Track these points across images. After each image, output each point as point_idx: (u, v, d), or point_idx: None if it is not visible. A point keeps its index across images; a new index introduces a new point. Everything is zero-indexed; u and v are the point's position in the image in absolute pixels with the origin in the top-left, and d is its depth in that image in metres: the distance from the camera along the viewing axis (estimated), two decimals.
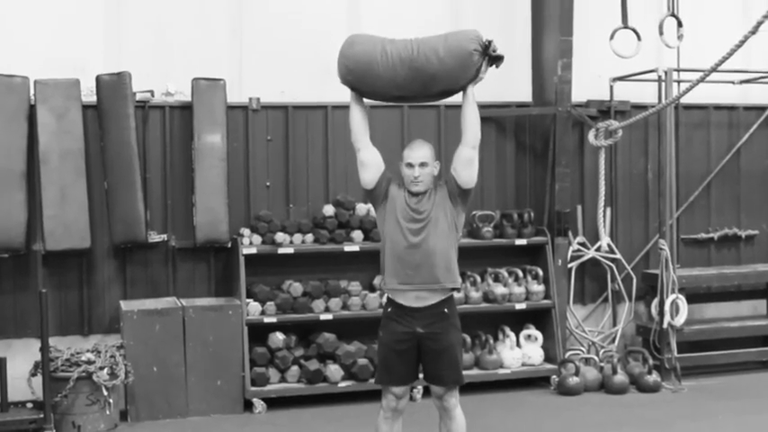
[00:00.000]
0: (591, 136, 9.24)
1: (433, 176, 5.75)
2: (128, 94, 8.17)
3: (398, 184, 5.81)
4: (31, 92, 8.03)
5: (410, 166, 5.70)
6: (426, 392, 5.80)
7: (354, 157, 8.90)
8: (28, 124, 8.02)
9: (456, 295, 5.88)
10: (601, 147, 9.24)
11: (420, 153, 5.71)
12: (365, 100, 5.85)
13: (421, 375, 5.79)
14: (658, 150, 9.37)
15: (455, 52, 5.58)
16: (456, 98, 9.25)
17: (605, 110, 9.57)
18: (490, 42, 5.61)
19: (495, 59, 5.67)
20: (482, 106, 9.20)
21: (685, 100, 8.96)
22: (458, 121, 9.21)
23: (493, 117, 9.40)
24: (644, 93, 9.51)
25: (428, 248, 5.61)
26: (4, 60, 8.07)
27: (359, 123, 5.82)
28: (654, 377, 8.84)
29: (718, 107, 10.11)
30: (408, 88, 5.71)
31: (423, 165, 5.68)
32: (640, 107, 9.34)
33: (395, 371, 5.69)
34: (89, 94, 8.22)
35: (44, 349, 7.38)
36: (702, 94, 9.17)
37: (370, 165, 5.81)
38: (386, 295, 5.84)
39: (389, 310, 5.74)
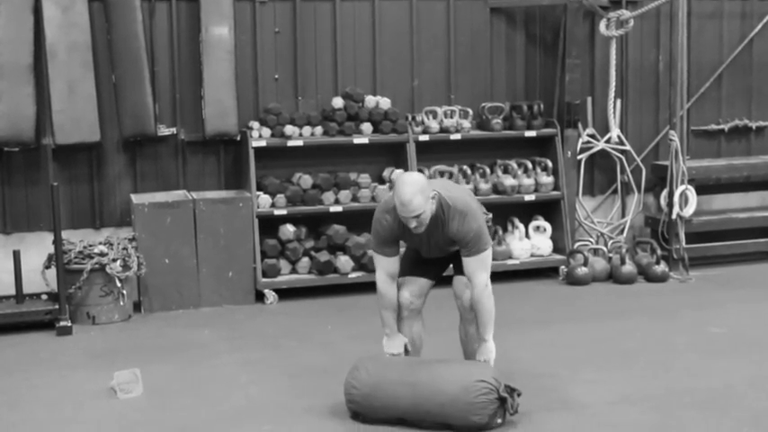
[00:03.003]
0: (602, 26, 9.17)
1: (431, 209, 5.27)
2: None
3: (397, 221, 5.39)
4: None
5: (404, 219, 5.25)
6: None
7: (363, 50, 8.96)
8: (34, 17, 7.96)
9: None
10: (612, 37, 9.18)
11: (411, 208, 5.16)
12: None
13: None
14: (670, 41, 9.29)
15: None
16: None
17: (617, 0, 9.44)
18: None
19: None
20: None
21: None
22: (468, 11, 9.15)
23: (503, 8, 9.29)
24: None
25: (441, 249, 5.54)
26: None
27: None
28: (662, 267, 8.91)
29: None
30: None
31: (417, 216, 5.20)
32: None
33: (418, 266, 5.68)
34: None
35: (57, 242, 7.46)
36: None
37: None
38: None
39: None
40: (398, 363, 5.49)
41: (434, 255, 5.61)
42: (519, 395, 5.32)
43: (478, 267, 5.37)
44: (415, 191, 5.18)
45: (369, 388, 5.37)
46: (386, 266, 5.55)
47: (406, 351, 5.62)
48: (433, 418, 5.28)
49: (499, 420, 5.28)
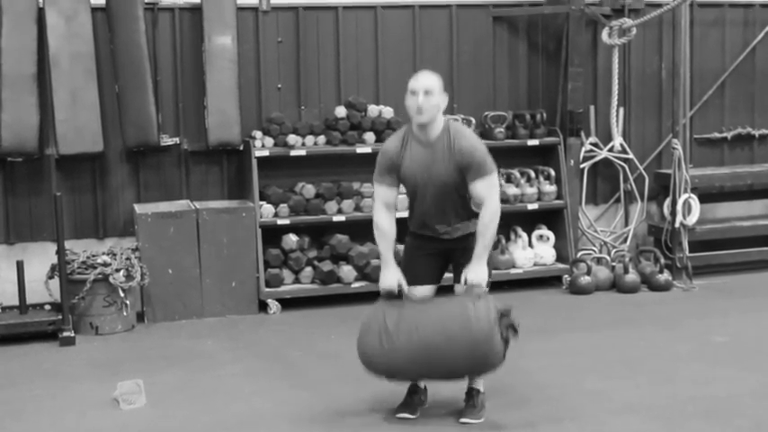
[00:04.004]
0: (604, 35, 9.17)
1: (440, 111, 5.47)
2: None
3: (401, 144, 5.61)
4: None
5: (413, 93, 5.42)
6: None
7: (366, 59, 8.96)
8: (37, 27, 7.97)
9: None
10: (614, 45, 9.18)
11: (424, 81, 5.42)
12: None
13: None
14: (672, 49, 9.28)
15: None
16: None
17: (619, 8, 9.42)
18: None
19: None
20: (495, 5, 9.26)
21: None
22: (470, 20, 9.16)
23: (505, 17, 9.30)
24: None
25: (439, 187, 5.53)
26: None
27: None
28: (665, 276, 8.90)
29: (733, 5, 9.96)
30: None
31: (427, 93, 5.39)
32: (654, 5, 9.21)
33: (419, 272, 5.71)
34: None
35: (60, 252, 7.46)
36: None
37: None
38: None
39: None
40: (405, 347, 5.45)
41: (432, 197, 5.55)
42: (512, 323, 5.48)
43: (490, 189, 5.48)
44: (434, 77, 5.49)
45: (383, 366, 5.56)
46: (383, 196, 5.68)
47: (399, 288, 5.66)
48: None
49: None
